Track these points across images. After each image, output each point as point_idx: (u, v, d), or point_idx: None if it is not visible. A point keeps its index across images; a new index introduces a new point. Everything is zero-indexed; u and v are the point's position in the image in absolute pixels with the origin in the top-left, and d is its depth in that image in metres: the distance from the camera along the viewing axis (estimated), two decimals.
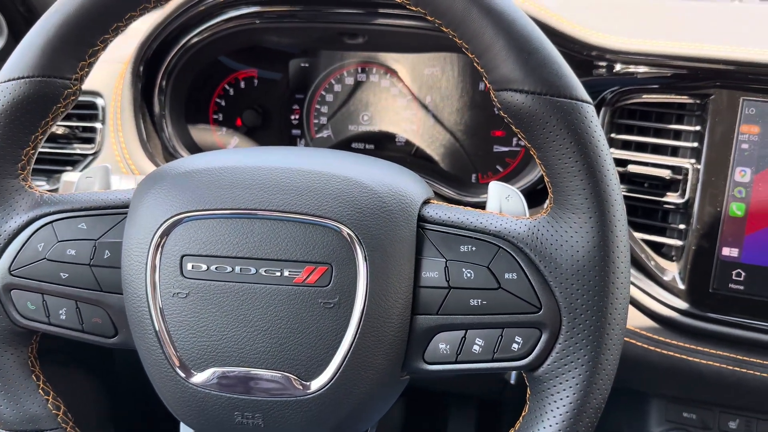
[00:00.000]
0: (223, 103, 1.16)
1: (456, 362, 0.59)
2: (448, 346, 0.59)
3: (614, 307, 0.56)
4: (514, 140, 1.11)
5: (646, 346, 0.93)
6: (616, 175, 0.57)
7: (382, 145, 1.14)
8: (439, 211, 0.61)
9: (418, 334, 0.59)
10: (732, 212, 0.89)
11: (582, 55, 0.93)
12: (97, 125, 1.08)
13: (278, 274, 0.58)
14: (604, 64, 0.95)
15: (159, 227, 0.59)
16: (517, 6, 0.58)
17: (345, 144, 1.15)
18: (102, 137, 1.07)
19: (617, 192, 0.57)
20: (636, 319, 0.94)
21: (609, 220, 0.56)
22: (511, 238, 0.59)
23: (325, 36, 1.11)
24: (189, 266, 0.58)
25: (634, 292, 0.93)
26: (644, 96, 0.94)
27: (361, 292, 0.57)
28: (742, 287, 0.90)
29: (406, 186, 0.62)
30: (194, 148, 1.14)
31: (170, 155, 1.10)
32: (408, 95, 1.12)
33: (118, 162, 1.06)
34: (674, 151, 0.94)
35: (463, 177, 1.12)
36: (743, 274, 0.90)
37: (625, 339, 0.94)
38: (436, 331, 0.59)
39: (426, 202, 0.62)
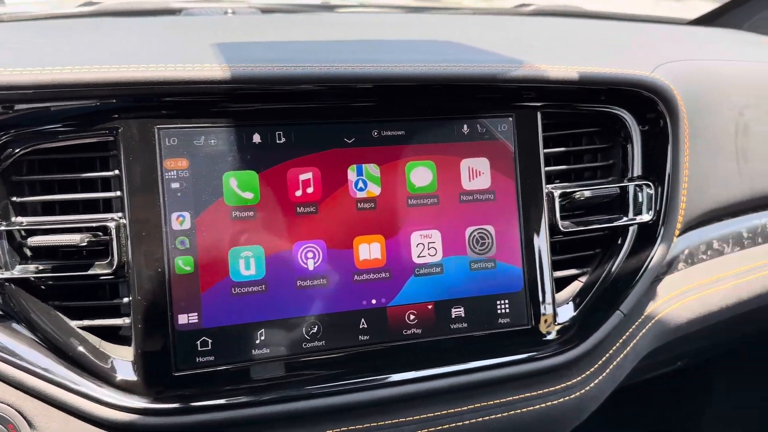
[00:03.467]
0: None
1: None
2: None
3: None
4: None
5: None
6: None
7: None
8: None
9: None
10: (179, 269, 0.71)
11: None
12: None
13: None
14: None
15: None
16: None
17: None
18: None
19: None
20: None
21: None
22: None
23: None
24: None
25: (75, 401, 0.68)
26: (50, 141, 0.71)
27: None
28: (212, 358, 0.72)
29: None
30: None
31: None
32: None
33: None
34: (108, 206, 0.73)
35: None
36: (210, 341, 0.72)
37: None
38: None
39: None
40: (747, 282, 1.04)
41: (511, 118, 0.82)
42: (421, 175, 0.79)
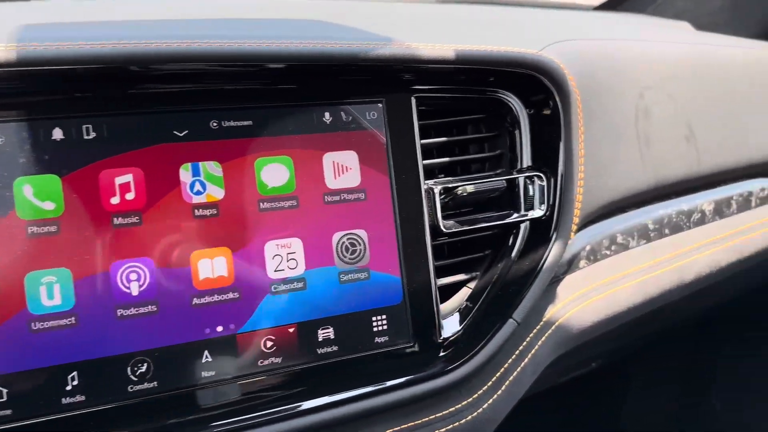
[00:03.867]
0: None
1: None
2: None
3: None
4: None
5: None
6: None
7: None
8: None
9: None
10: None
11: None
12: None
13: None
14: None
15: None
16: None
17: None
18: None
19: None
20: None
21: None
22: None
23: None
24: None
25: None
26: None
27: None
28: (9, 412, 0.56)
29: None
30: None
31: None
32: None
33: None
34: None
35: None
36: (4, 391, 0.57)
37: None
38: None
39: None
40: (655, 277, 0.97)
41: (381, 105, 0.71)
42: (274, 173, 0.67)
